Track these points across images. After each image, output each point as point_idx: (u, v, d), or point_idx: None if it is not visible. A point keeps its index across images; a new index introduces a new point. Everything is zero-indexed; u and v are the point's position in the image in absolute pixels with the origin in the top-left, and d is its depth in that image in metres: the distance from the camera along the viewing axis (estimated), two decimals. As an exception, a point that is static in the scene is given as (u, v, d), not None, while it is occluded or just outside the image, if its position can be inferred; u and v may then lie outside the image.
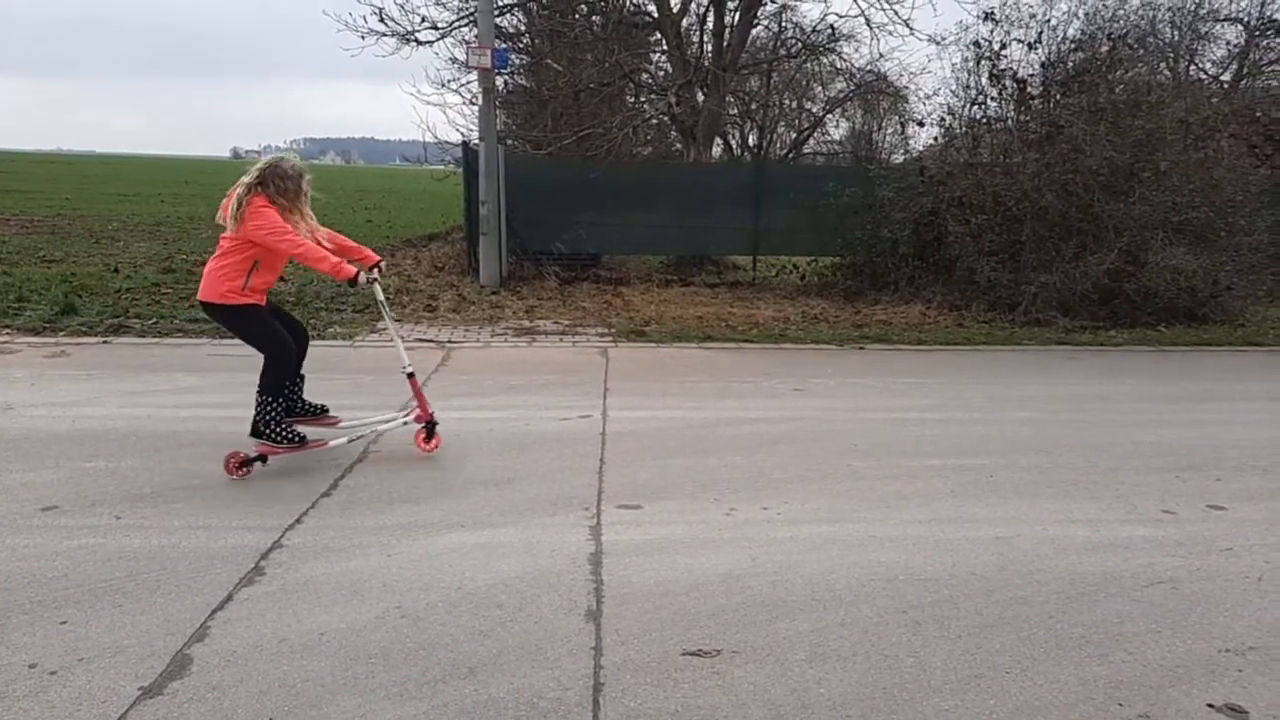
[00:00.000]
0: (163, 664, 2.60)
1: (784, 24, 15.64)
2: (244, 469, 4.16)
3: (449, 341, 7.69)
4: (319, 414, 4.70)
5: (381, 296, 4.52)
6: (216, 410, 5.24)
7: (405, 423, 4.66)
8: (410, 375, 4.62)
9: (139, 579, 3.11)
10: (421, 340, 7.69)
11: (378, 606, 2.98)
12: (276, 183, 4.15)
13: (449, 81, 14.51)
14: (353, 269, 4.15)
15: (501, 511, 3.86)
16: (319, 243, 4.26)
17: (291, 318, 4.66)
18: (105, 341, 7.10)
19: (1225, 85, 16.74)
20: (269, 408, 4.29)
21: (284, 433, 4.31)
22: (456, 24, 13.23)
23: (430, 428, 4.62)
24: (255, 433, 4.32)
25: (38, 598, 2.96)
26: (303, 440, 4.36)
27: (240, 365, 6.43)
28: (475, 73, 10.96)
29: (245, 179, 4.15)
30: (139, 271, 10.47)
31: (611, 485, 4.23)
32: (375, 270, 4.48)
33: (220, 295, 4.15)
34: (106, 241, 13.75)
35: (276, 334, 4.32)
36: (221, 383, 5.93)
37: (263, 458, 4.24)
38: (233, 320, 4.27)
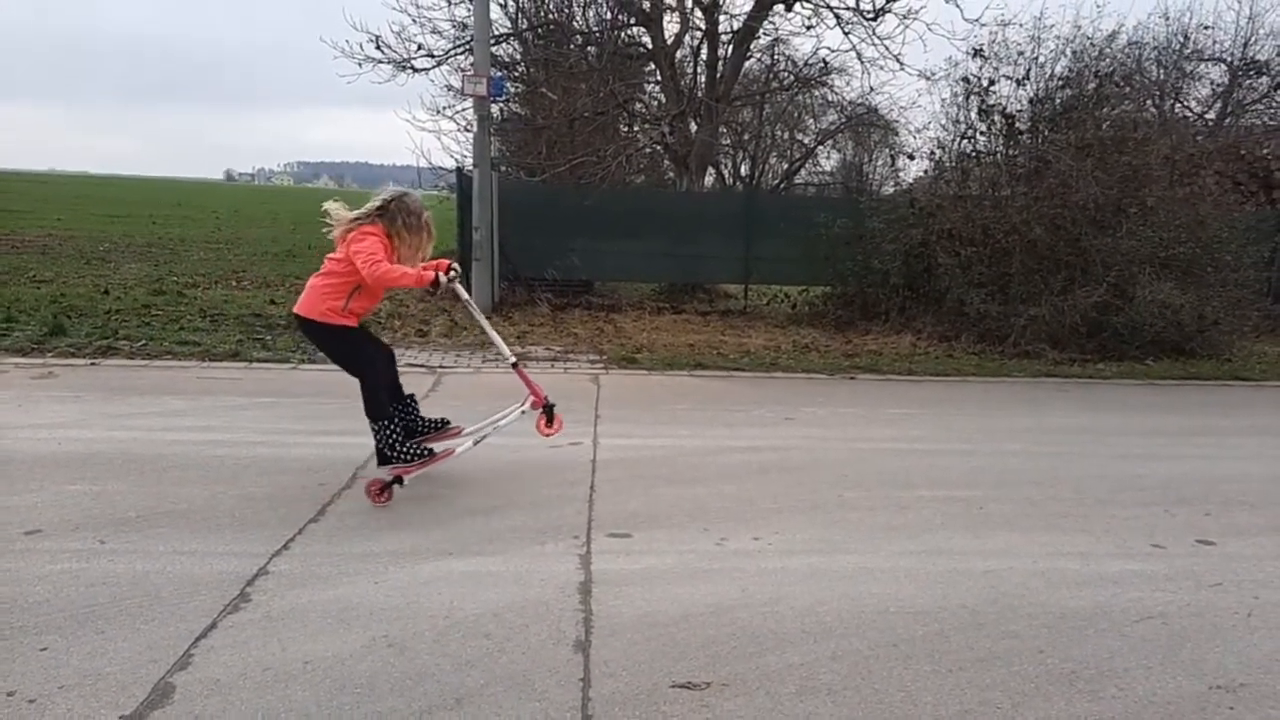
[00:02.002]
0: (144, 692, 2.56)
1: (776, 57, 15.88)
2: (384, 494, 4.17)
3: (440, 367, 7.68)
4: (442, 428, 4.76)
5: (466, 295, 4.51)
6: (204, 434, 5.20)
7: (524, 412, 4.66)
8: (514, 365, 4.62)
9: (122, 605, 3.07)
10: (413, 365, 7.67)
11: (364, 635, 2.95)
12: (404, 217, 4.19)
13: (444, 108, 14.64)
14: (430, 273, 4.19)
15: (490, 539, 3.83)
16: None
17: (379, 340, 4.68)
18: (93, 363, 7.05)
19: (1210, 123, 17.00)
20: (385, 431, 4.33)
21: (410, 450, 4.36)
22: (453, 52, 13.38)
23: (549, 411, 4.61)
24: (382, 460, 4.36)
25: (18, 623, 2.91)
26: (430, 453, 4.42)
27: (230, 389, 6.42)
28: (471, 100, 11.04)
29: (368, 206, 4.20)
30: (129, 293, 10.43)
31: (601, 514, 4.21)
32: (450, 272, 4.45)
33: (319, 313, 4.20)
34: (97, 262, 13.71)
35: (366, 357, 4.38)
36: (210, 406, 5.90)
37: (398, 479, 4.24)
38: (324, 338, 4.33)
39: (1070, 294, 9.39)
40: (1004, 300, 9.75)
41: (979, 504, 4.60)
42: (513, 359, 4.64)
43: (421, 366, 7.65)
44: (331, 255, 4.23)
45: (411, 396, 4.71)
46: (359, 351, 4.37)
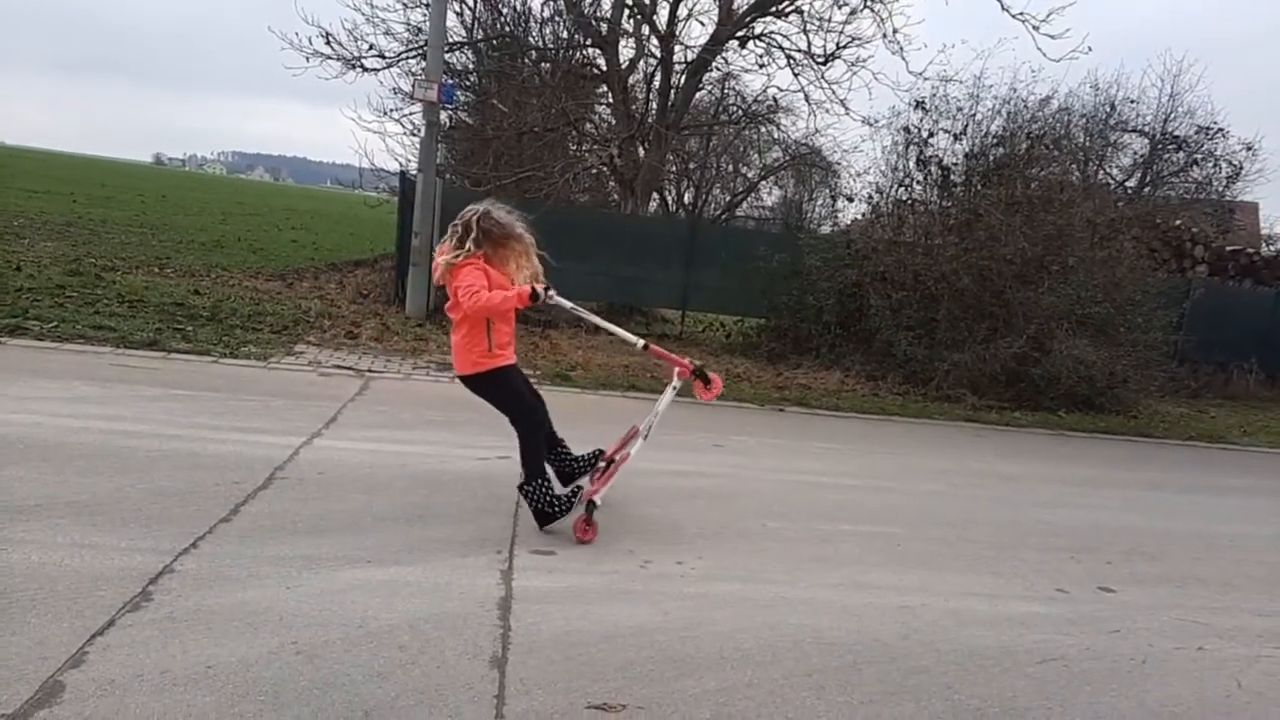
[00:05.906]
0: (31, 690, 2.42)
1: (727, 91, 16.17)
2: (590, 529, 4.07)
3: (369, 371, 7.52)
4: (593, 461, 4.61)
5: (568, 303, 4.29)
6: (115, 424, 4.97)
7: (678, 387, 4.56)
8: (646, 347, 4.48)
9: (13, 597, 2.90)
10: (340, 367, 7.50)
11: (272, 641, 2.85)
12: (489, 231, 4.01)
13: (391, 110, 14.44)
14: (527, 288, 3.93)
15: (410, 549, 3.75)
16: None
17: (529, 383, 4.47)
18: (-2, 342, 6.70)
19: (1130, 191, 17.91)
20: (539, 492, 4.13)
21: (562, 502, 4.17)
22: (405, 55, 13.25)
23: (702, 375, 4.50)
24: (542, 520, 4.16)
25: (-106, 611, 2.73)
26: (579, 489, 4.29)
27: (143, 379, 6.17)
28: (419, 104, 10.94)
29: (452, 237, 4.03)
30: (43, 272, 9.94)
31: (526, 529, 4.16)
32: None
33: (473, 364, 4.07)
34: (10, 238, 13.03)
35: (530, 407, 4.23)
36: (122, 395, 5.65)
37: (592, 502, 4.11)
38: (487, 388, 4.17)
39: (992, 343, 9.74)
40: (930, 344, 10.06)
41: (897, 541, 4.71)
42: (642, 343, 4.47)
43: (349, 369, 7.48)
44: (447, 305, 4.08)
45: (562, 440, 4.56)
46: (523, 401, 4.21)
